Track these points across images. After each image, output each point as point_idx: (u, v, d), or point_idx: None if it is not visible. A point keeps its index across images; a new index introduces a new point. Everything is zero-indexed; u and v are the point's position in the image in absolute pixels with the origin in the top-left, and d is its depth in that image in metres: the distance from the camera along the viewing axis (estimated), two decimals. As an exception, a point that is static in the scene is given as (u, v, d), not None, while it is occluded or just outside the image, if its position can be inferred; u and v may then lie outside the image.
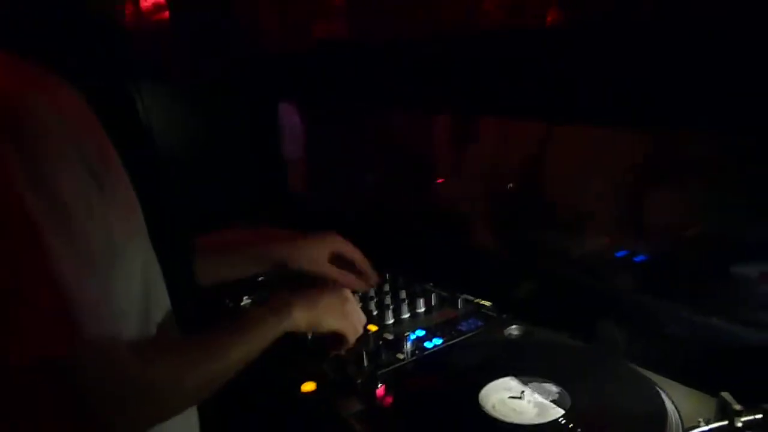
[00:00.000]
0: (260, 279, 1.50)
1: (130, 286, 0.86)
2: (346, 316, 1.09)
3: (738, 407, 0.86)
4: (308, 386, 1.15)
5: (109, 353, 0.76)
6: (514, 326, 1.30)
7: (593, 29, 1.19)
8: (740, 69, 0.99)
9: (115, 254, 0.82)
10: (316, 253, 1.24)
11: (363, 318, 1.13)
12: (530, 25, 1.33)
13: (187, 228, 1.05)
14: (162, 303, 0.92)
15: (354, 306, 1.11)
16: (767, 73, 0.96)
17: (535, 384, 1.07)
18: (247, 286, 1.48)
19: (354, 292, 1.20)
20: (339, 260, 1.26)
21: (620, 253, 1.48)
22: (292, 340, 1.18)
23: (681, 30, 1.05)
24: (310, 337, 1.22)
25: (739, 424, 0.85)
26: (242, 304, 1.48)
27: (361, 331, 1.12)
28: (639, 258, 1.45)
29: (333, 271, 1.25)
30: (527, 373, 1.09)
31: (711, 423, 0.87)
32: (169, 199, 0.97)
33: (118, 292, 0.83)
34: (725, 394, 0.89)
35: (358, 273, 1.27)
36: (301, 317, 1.01)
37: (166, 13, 2.39)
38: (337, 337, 1.09)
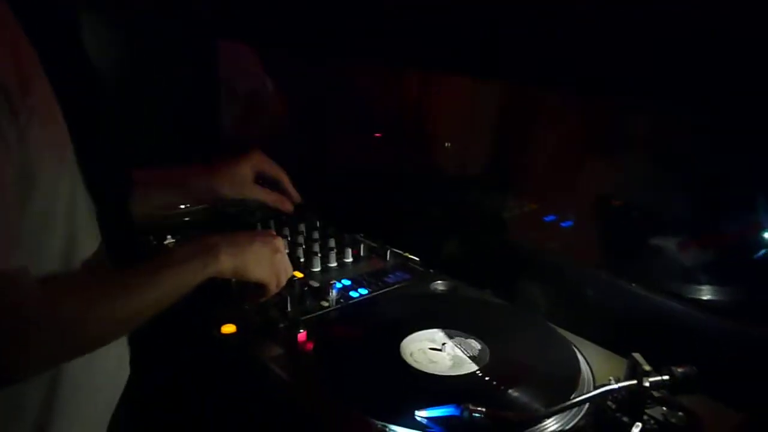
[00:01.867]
0: (186, 219, 1.45)
1: (50, 220, 0.82)
2: (273, 267, 1.04)
3: (647, 368, 0.89)
4: (228, 328, 1.12)
5: (6, 285, 0.72)
6: (439, 281, 1.31)
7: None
8: (672, 46, 1.00)
9: (32, 186, 0.77)
10: (239, 176, 1.19)
11: (290, 270, 1.09)
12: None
13: (123, 165, 1.00)
14: (89, 242, 0.88)
15: (283, 257, 1.07)
16: (696, 50, 0.98)
17: (456, 337, 1.08)
18: (173, 226, 1.44)
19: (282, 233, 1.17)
20: (263, 180, 1.22)
21: (548, 218, 1.50)
22: (216, 282, 1.16)
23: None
24: (233, 281, 1.19)
25: (647, 384, 0.88)
26: (166, 243, 1.43)
27: (284, 283, 1.08)
28: (566, 224, 1.47)
29: (258, 192, 1.21)
30: (450, 327, 1.10)
31: (621, 382, 0.90)
32: (105, 135, 0.92)
33: (33, 223, 0.79)
34: (636, 355, 0.92)
35: (281, 192, 1.24)
36: (227, 263, 0.96)
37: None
38: (259, 287, 1.05)
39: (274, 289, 1.05)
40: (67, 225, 0.83)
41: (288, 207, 1.25)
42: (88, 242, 0.88)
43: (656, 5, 1.02)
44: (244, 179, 1.20)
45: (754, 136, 1.02)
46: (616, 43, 1.08)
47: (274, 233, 1.10)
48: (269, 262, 1.03)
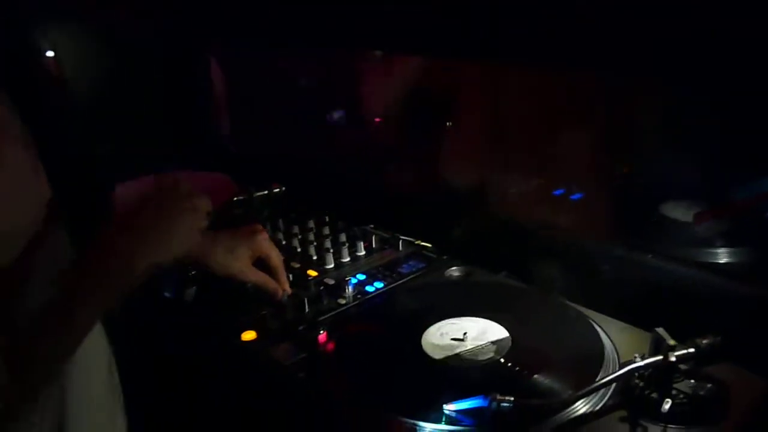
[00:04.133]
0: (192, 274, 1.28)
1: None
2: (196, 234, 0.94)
3: (672, 342, 0.89)
4: (249, 335, 1.12)
5: None
6: (454, 267, 1.30)
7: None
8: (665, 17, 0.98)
9: None
10: (236, 252, 1.13)
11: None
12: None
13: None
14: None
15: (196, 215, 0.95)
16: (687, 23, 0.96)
17: (476, 324, 1.07)
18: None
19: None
20: (260, 263, 1.17)
21: (557, 192, 1.49)
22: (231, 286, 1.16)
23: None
24: (249, 285, 1.19)
25: (673, 359, 0.88)
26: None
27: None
28: (575, 196, 1.46)
29: (254, 274, 1.15)
30: (468, 314, 1.10)
31: (646, 358, 0.89)
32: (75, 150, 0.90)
33: None
34: (659, 330, 0.91)
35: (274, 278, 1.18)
36: (145, 262, 0.86)
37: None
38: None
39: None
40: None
41: (279, 297, 1.18)
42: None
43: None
44: (239, 257, 1.13)
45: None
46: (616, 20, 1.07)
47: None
48: (190, 231, 0.93)
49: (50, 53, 1.94)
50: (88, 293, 0.83)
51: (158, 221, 0.91)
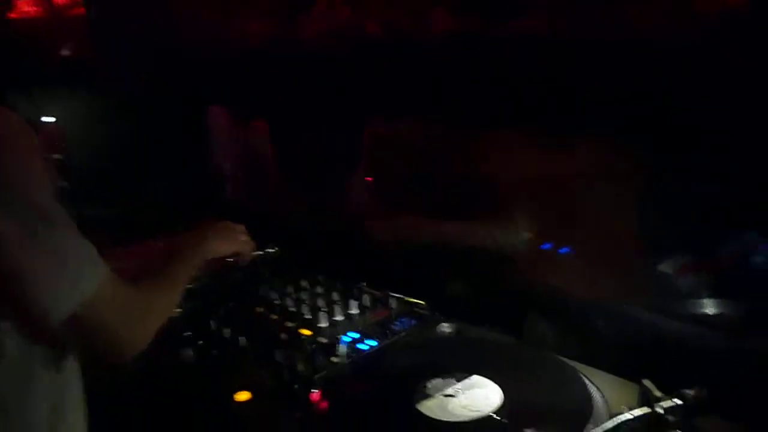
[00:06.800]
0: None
1: None
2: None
3: (658, 394, 0.91)
4: (243, 395, 1.13)
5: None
6: (445, 324, 1.32)
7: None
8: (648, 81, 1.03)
9: None
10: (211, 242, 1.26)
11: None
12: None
13: None
14: None
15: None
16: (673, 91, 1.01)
17: (468, 381, 1.09)
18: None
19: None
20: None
21: (545, 246, 1.52)
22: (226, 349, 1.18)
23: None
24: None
25: (660, 410, 0.89)
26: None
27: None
28: (563, 250, 1.49)
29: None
30: (460, 370, 1.11)
31: (634, 410, 0.91)
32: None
33: None
34: (646, 382, 0.93)
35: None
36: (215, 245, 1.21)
37: (82, 9, 2.30)
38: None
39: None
40: None
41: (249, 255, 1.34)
42: None
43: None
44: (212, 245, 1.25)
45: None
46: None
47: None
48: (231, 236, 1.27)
49: (50, 119, 2.00)
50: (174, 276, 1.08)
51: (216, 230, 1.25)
